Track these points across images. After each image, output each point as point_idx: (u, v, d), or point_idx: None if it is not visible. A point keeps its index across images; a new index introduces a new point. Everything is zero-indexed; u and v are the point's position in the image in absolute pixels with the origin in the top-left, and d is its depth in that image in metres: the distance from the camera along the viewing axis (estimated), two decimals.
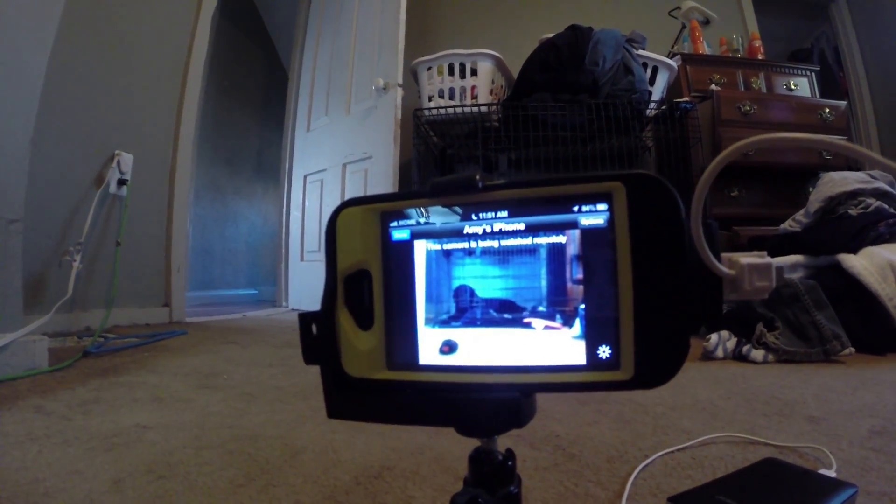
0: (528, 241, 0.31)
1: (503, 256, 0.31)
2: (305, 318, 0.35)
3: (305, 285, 3.13)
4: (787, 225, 1.95)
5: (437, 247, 0.33)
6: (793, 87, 2.98)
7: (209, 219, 4.09)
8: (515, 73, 2.62)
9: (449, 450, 0.69)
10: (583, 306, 0.29)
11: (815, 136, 0.26)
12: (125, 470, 0.64)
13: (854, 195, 1.78)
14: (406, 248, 0.34)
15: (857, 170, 2.08)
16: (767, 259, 0.28)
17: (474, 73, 2.57)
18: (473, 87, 2.56)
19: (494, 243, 0.31)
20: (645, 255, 0.28)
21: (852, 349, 1.33)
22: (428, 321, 0.33)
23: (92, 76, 1.99)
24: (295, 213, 3.31)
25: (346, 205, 0.34)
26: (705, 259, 0.27)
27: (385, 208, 0.34)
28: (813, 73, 3.08)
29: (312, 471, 0.63)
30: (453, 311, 0.33)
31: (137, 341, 1.67)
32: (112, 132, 2.08)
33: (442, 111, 2.55)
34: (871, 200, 1.76)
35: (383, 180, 2.57)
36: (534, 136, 2.39)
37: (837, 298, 1.43)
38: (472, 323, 0.32)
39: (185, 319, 2.41)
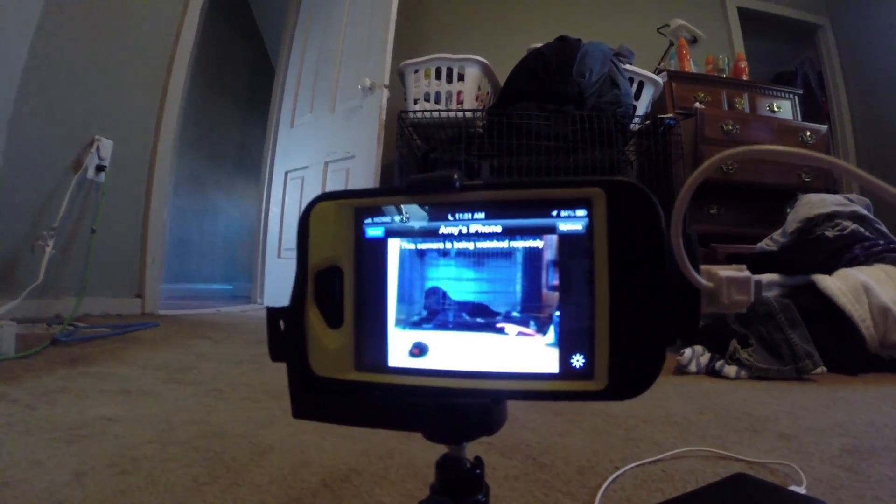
0: (504, 244, 0.30)
1: (478, 259, 0.31)
2: (273, 313, 0.34)
3: (281, 283, 3.08)
4: (765, 244, 1.98)
5: (412, 246, 0.32)
6: (776, 109, 3.02)
7: (188, 211, 4.04)
8: (502, 80, 2.63)
9: (419, 455, 0.68)
10: (558, 313, 0.29)
11: (799, 150, 0.25)
12: (88, 463, 0.62)
13: (831, 217, 1.81)
14: (380, 245, 0.33)
15: (835, 192, 2.11)
16: (746, 273, 0.28)
17: (461, 78, 2.56)
18: (460, 92, 2.56)
19: (470, 245, 0.31)
20: (623, 263, 0.27)
21: (824, 368, 1.34)
22: (399, 322, 0.32)
23: (75, 59, 1.96)
24: (274, 210, 3.28)
25: (320, 199, 0.33)
26: (684, 270, 0.27)
27: (360, 204, 0.33)
28: (796, 97, 3.13)
29: (279, 471, 0.62)
30: (425, 312, 0.32)
31: (108, 331, 1.64)
32: (93, 117, 2.05)
33: (427, 114, 2.54)
34: (847, 223, 1.78)
35: (364, 180, 2.56)
36: (517, 144, 2.39)
37: (811, 318, 1.44)
38: (443, 326, 0.31)
39: (158, 312, 2.37)
